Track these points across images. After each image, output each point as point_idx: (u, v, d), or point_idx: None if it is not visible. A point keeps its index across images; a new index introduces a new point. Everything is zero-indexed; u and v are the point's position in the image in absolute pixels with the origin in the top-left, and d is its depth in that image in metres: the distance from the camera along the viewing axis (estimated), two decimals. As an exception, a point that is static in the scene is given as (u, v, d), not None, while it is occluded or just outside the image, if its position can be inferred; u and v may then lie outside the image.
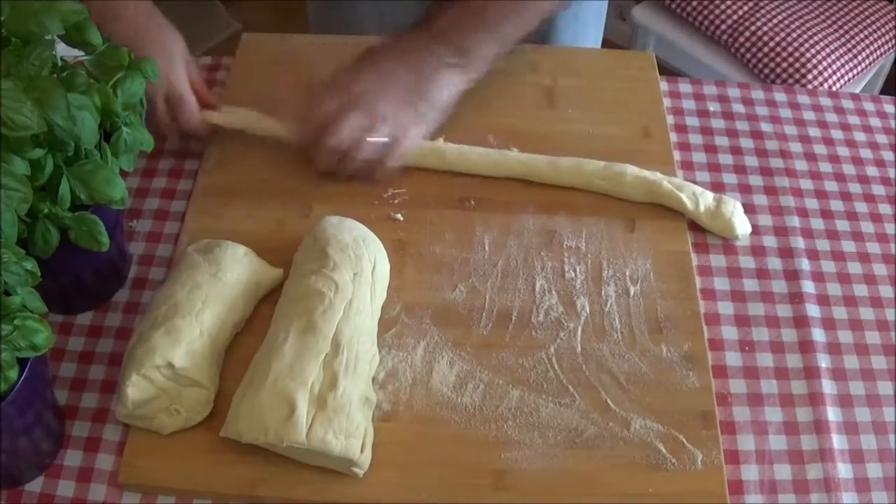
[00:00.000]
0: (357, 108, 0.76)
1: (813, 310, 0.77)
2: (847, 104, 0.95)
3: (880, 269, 0.80)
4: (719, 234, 0.80)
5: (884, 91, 1.77)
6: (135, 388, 0.63)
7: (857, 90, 1.68)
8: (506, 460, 0.66)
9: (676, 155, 0.88)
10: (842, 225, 0.83)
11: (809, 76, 1.57)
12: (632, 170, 0.81)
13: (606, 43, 1.18)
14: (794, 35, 1.62)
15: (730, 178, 0.87)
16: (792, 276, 0.79)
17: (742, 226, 0.80)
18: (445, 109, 0.81)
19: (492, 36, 0.79)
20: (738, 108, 0.93)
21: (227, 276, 0.70)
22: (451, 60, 0.77)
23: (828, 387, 0.72)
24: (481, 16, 0.78)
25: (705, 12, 1.72)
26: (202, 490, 0.64)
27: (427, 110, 0.79)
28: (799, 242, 0.81)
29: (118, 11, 0.79)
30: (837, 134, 0.92)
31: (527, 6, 0.80)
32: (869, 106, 0.95)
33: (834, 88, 1.58)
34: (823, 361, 0.73)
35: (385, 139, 0.77)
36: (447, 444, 0.66)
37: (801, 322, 0.76)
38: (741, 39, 1.66)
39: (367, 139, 0.77)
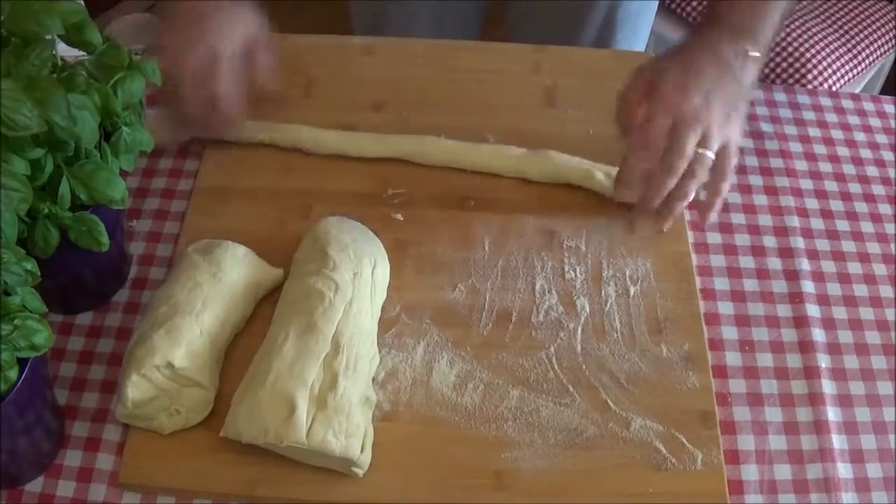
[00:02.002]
0: (694, 127, 0.71)
1: (813, 310, 0.77)
2: (847, 104, 0.95)
3: (880, 269, 0.80)
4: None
5: (884, 91, 1.77)
6: (135, 388, 0.63)
7: (857, 90, 1.68)
8: (506, 460, 0.66)
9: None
10: (842, 225, 0.83)
11: (809, 76, 1.56)
12: (554, 154, 0.82)
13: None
14: (794, 35, 1.62)
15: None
16: (792, 276, 0.79)
17: None
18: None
19: (777, 22, 0.77)
20: (739, 108, 0.93)
21: (227, 276, 0.70)
22: (754, 54, 0.75)
23: (828, 387, 0.72)
24: (765, 4, 0.76)
25: (705, 12, 1.72)
26: (202, 490, 0.64)
27: (743, 112, 0.75)
28: (799, 242, 0.81)
29: None
30: (837, 134, 0.92)
31: None
32: (869, 106, 0.95)
33: (834, 88, 1.57)
34: (823, 361, 0.73)
35: (712, 155, 0.72)
36: (447, 444, 0.66)
37: (801, 322, 0.76)
38: (741, 39, 1.66)
39: (705, 154, 0.71)
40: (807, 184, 0.87)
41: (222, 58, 0.76)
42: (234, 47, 0.78)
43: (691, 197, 0.72)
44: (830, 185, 0.87)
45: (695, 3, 1.74)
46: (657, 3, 1.16)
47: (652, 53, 0.97)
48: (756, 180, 0.87)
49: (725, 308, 0.77)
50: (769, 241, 0.82)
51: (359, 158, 0.84)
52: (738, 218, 0.83)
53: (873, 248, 0.82)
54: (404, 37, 1.00)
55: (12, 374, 0.55)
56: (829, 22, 1.67)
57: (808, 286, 0.78)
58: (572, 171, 0.81)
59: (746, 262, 0.80)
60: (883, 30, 1.67)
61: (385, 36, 0.90)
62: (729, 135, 0.73)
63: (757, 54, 0.75)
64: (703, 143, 0.71)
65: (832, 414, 0.70)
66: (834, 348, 0.75)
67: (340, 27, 1.16)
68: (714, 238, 0.81)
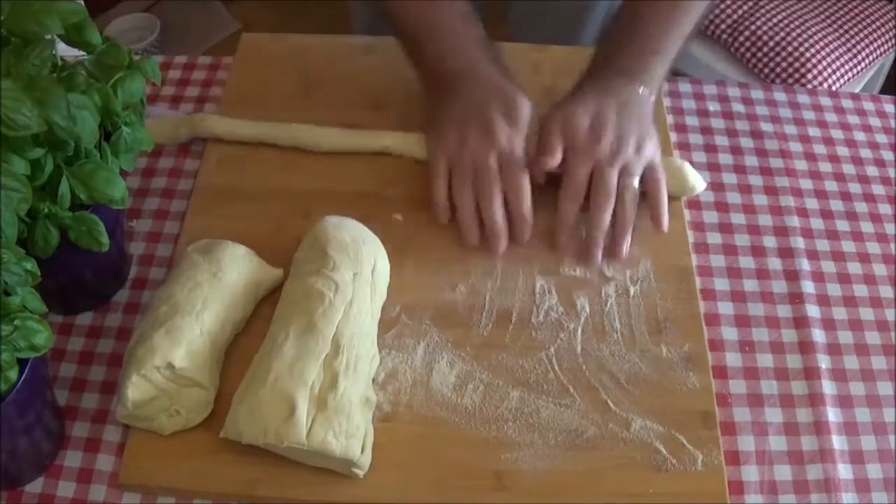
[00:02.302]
0: (612, 165, 0.76)
1: (813, 310, 0.77)
2: (847, 104, 0.95)
3: (880, 269, 0.80)
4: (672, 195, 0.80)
5: (884, 91, 1.77)
6: (135, 389, 0.63)
7: (857, 90, 1.68)
8: (506, 461, 0.66)
9: (676, 155, 0.88)
10: (842, 225, 0.83)
11: (809, 76, 1.56)
12: None
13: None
14: (794, 35, 1.62)
15: (730, 178, 0.87)
16: (792, 276, 0.79)
17: (694, 178, 0.82)
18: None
19: (668, 59, 0.82)
20: (738, 107, 0.93)
21: (227, 276, 0.70)
22: (644, 92, 0.80)
23: (828, 387, 0.72)
24: (653, 40, 0.81)
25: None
26: (202, 490, 0.64)
27: (653, 133, 0.80)
28: (799, 242, 0.81)
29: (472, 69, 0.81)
30: (837, 134, 0.92)
31: (684, 20, 0.83)
32: (869, 106, 0.95)
33: (834, 88, 1.57)
34: (823, 362, 0.73)
35: (635, 184, 0.77)
36: (447, 444, 0.66)
37: (801, 322, 0.76)
38: (741, 39, 1.66)
39: (630, 186, 0.76)
40: (807, 184, 0.87)
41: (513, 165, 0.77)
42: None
43: (630, 227, 0.76)
44: (830, 185, 0.87)
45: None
46: None
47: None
48: (756, 180, 0.87)
49: (725, 308, 0.77)
50: (769, 241, 0.82)
51: (358, 158, 0.84)
52: (738, 218, 0.83)
53: (873, 248, 0.82)
54: None
55: (12, 374, 0.55)
56: (829, 22, 1.67)
57: (808, 286, 0.78)
58: None
59: (746, 262, 0.80)
60: (883, 30, 1.67)
61: (385, 36, 0.90)
62: (647, 157, 0.77)
63: (647, 91, 0.80)
64: (624, 177, 0.76)
65: (832, 415, 0.70)
66: (834, 349, 0.75)
67: (341, 27, 1.16)
68: (714, 238, 0.81)
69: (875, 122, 0.93)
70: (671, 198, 0.79)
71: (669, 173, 0.80)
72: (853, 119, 0.93)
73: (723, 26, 1.69)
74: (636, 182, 0.77)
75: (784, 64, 1.59)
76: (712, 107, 0.93)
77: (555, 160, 0.76)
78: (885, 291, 0.79)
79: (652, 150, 0.78)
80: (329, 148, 0.84)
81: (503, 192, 0.76)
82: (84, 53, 0.63)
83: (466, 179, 0.77)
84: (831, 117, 0.93)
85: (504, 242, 0.76)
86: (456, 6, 0.83)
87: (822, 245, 0.82)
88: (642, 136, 0.78)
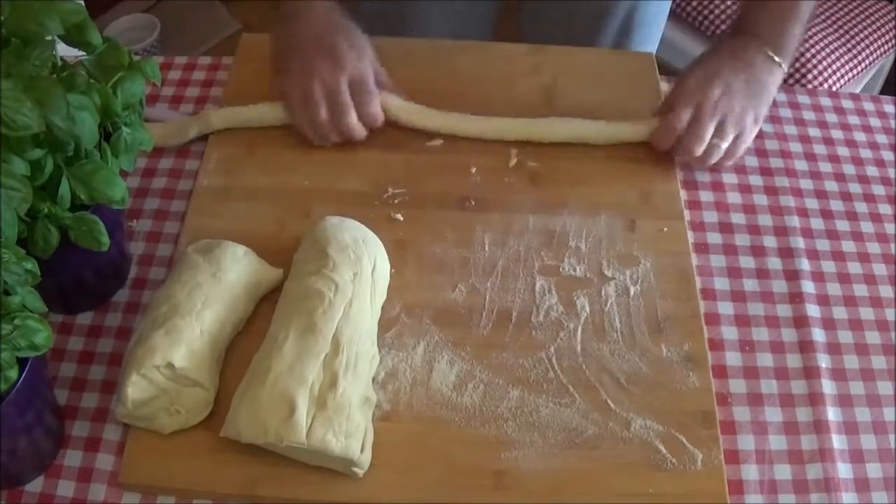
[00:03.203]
0: (712, 118, 0.81)
1: (813, 310, 0.77)
2: (847, 104, 0.95)
3: (880, 269, 0.80)
4: None
5: (884, 91, 1.77)
6: (135, 388, 0.63)
7: (857, 90, 1.68)
8: (506, 460, 0.66)
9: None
10: (842, 225, 0.83)
11: (809, 76, 1.56)
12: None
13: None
14: (794, 35, 1.62)
15: (730, 178, 0.87)
16: (792, 276, 0.79)
17: None
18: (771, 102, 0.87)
19: (802, 27, 0.86)
20: (738, 108, 0.93)
21: (227, 276, 0.70)
22: (777, 59, 0.84)
23: (828, 387, 0.72)
24: (794, 10, 0.85)
25: (705, 12, 1.72)
26: (202, 490, 0.64)
27: (763, 111, 0.84)
28: (799, 242, 0.81)
29: (303, 11, 0.85)
30: (837, 134, 0.92)
31: None
32: (869, 106, 0.95)
33: (834, 88, 1.57)
34: (823, 361, 0.73)
35: (727, 143, 0.82)
36: (447, 444, 0.66)
37: (801, 322, 0.76)
38: (741, 39, 1.66)
39: (719, 145, 0.82)
40: (807, 184, 0.87)
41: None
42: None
43: (697, 159, 0.83)
44: (830, 185, 0.87)
45: (695, 3, 1.74)
46: (669, 6, 1.16)
47: (653, 54, 0.97)
48: (756, 180, 0.87)
49: (725, 308, 0.77)
50: (769, 241, 0.82)
51: (359, 158, 0.84)
52: (738, 218, 0.83)
53: (873, 248, 0.82)
54: (415, 38, 1.00)
55: (12, 374, 0.55)
56: (829, 22, 1.67)
57: (808, 286, 0.78)
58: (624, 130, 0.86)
59: (746, 262, 0.80)
60: (883, 30, 1.67)
61: (386, 36, 0.90)
62: (743, 126, 0.82)
63: (778, 59, 0.83)
64: (719, 132, 0.81)
65: (832, 414, 0.70)
66: (834, 348, 0.75)
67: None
68: (714, 238, 0.81)
69: (875, 122, 0.93)
70: None
71: None
72: (853, 119, 0.93)
73: (723, 27, 1.70)
74: (725, 145, 0.82)
75: (784, 64, 1.59)
76: (712, 107, 0.93)
77: (681, 125, 0.81)
78: (885, 291, 0.79)
79: (749, 121, 0.82)
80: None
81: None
82: (84, 54, 0.63)
83: (320, 101, 0.81)
84: (831, 118, 0.93)
85: (362, 134, 0.83)
86: None
87: (823, 245, 0.82)
88: (748, 103, 0.82)
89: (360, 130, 0.83)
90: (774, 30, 0.84)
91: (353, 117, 0.82)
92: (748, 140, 0.83)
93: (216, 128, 0.86)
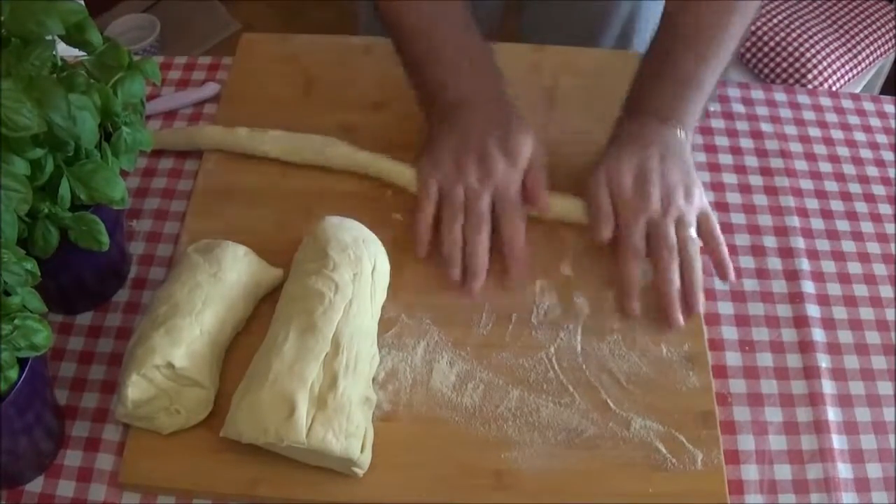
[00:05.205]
0: (667, 218, 0.74)
1: (813, 310, 0.77)
2: (847, 104, 0.95)
3: (880, 269, 0.80)
4: None
5: (884, 91, 1.77)
6: (135, 388, 0.63)
7: (857, 90, 1.67)
8: (506, 460, 0.66)
9: (676, 155, 0.87)
10: (842, 225, 0.83)
11: (809, 76, 1.56)
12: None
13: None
14: (794, 35, 1.62)
15: (730, 178, 0.87)
16: (792, 276, 0.79)
17: None
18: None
19: (702, 95, 0.79)
20: (738, 108, 0.93)
21: (227, 276, 0.70)
22: (682, 135, 0.78)
23: (828, 387, 0.72)
24: (692, 83, 0.78)
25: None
26: (202, 490, 0.64)
27: (696, 180, 0.78)
28: (799, 242, 0.81)
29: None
30: (837, 134, 0.92)
31: (725, 50, 0.79)
32: (869, 106, 0.95)
33: (834, 88, 1.57)
34: (823, 361, 0.73)
35: (694, 233, 0.75)
36: (447, 444, 0.66)
37: (801, 322, 0.76)
38: (741, 39, 1.66)
39: (689, 236, 0.74)
40: (807, 184, 0.87)
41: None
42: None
43: (701, 278, 0.74)
44: (830, 185, 0.87)
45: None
46: None
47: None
48: (756, 180, 0.87)
49: (725, 308, 0.77)
50: (769, 241, 0.82)
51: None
52: (738, 218, 0.83)
53: (873, 248, 0.82)
54: None
55: (12, 374, 0.55)
56: (829, 22, 1.67)
57: (808, 286, 0.78)
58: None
59: (746, 262, 0.80)
60: (883, 30, 1.67)
61: (387, 36, 0.90)
62: (697, 205, 0.76)
63: (685, 135, 0.78)
64: (681, 228, 0.74)
65: (832, 414, 0.70)
66: (834, 348, 0.75)
67: (341, 27, 1.16)
68: (714, 238, 0.81)
69: (875, 122, 0.93)
70: None
71: None
72: (853, 119, 0.93)
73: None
74: (693, 232, 0.75)
75: (784, 64, 1.60)
76: (713, 107, 0.93)
77: (609, 230, 0.74)
78: (885, 291, 0.79)
79: (699, 197, 0.76)
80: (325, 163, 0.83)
81: (495, 231, 0.75)
82: (84, 54, 0.63)
83: (457, 213, 0.75)
84: (831, 117, 0.93)
85: (480, 283, 0.74)
86: (457, 22, 0.80)
87: (822, 245, 0.82)
88: (689, 184, 0.76)
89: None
90: (671, 103, 0.79)
91: (485, 239, 0.75)
92: (711, 213, 0.77)
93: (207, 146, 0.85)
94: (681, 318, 0.72)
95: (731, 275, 0.76)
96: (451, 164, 0.77)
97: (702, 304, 0.73)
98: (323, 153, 0.82)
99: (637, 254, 0.74)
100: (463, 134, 0.77)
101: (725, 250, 0.76)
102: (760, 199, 0.85)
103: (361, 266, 0.70)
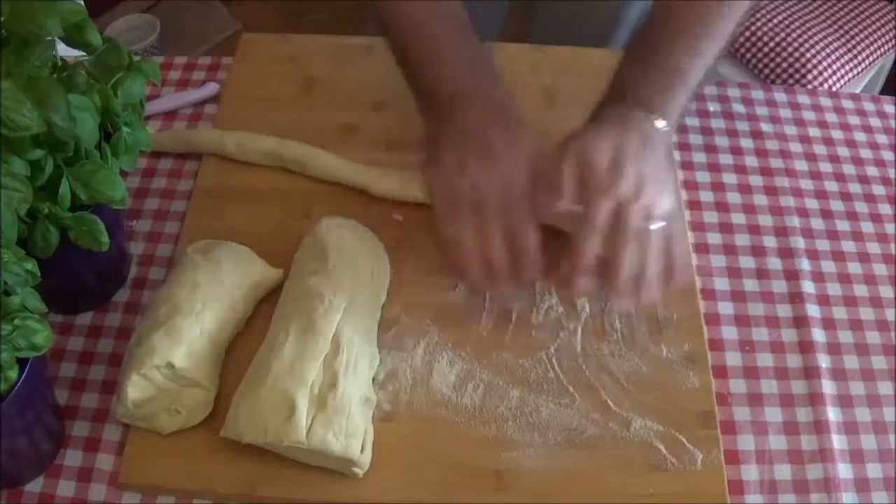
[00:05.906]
0: (635, 204, 0.68)
1: (813, 310, 0.77)
2: (847, 104, 0.95)
3: (880, 269, 0.80)
4: None
5: (884, 91, 1.77)
6: (135, 388, 0.63)
7: (857, 90, 1.67)
8: (506, 460, 0.66)
9: (677, 155, 0.88)
10: (842, 225, 0.83)
11: (809, 76, 1.56)
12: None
13: (606, 43, 1.18)
14: (794, 35, 1.62)
15: (730, 178, 0.87)
16: (792, 276, 0.79)
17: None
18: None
19: (687, 89, 0.76)
20: (738, 108, 0.93)
21: (227, 276, 0.70)
22: (665, 128, 0.74)
23: (828, 387, 0.72)
24: (679, 76, 0.75)
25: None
26: (202, 490, 0.64)
27: (668, 180, 0.73)
28: (799, 242, 0.81)
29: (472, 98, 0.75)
30: (837, 134, 0.92)
31: (714, 47, 0.77)
32: (869, 106, 0.95)
33: (834, 88, 1.57)
34: (823, 361, 0.73)
35: (655, 226, 0.69)
36: (447, 444, 0.66)
37: (801, 322, 0.76)
38: (741, 39, 1.66)
39: (651, 227, 0.69)
40: (807, 184, 0.87)
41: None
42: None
43: (658, 270, 0.68)
44: (830, 185, 0.87)
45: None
46: None
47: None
48: (756, 180, 0.87)
49: (725, 308, 0.77)
50: (769, 241, 0.82)
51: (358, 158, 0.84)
52: (738, 218, 0.83)
53: (873, 248, 0.82)
54: None
55: (12, 374, 0.55)
56: (829, 22, 1.67)
57: (808, 286, 0.78)
58: None
59: (746, 262, 0.80)
60: (883, 30, 1.67)
61: None
62: (667, 203, 0.70)
63: (668, 128, 0.74)
64: (644, 219, 0.68)
65: (832, 414, 0.70)
66: (834, 348, 0.75)
67: (341, 27, 1.16)
68: (714, 238, 0.81)
69: (875, 122, 0.93)
70: None
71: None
72: (853, 119, 0.93)
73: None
74: (655, 226, 0.69)
75: (784, 64, 1.59)
76: (712, 107, 0.93)
77: (567, 202, 0.68)
78: (885, 291, 0.79)
79: (670, 197, 0.71)
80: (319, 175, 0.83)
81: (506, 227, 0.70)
82: (84, 54, 0.63)
83: (466, 214, 0.71)
84: (831, 118, 0.93)
85: (504, 285, 0.69)
86: (452, 21, 0.79)
87: (822, 245, 0.82)
88: (664, 180, 0.71)
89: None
90: (657, 94, 0.75)
91: (498, 236, 0.70)
92: (658, 214, 0.69)
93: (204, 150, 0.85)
94: (628, 303, 0.69)
95: (677, 281, 0.70)
96: (454, 160, 0.75)
97: (657, 297, 0.69)
98: (304, 167, 0.82)
99: (599, 234, 0.67)
100: (463, 129, 0.76)
101: (681, 257, 0.70)
102: (760, 199, 0.85)
103: (361, 266, 0.70)
